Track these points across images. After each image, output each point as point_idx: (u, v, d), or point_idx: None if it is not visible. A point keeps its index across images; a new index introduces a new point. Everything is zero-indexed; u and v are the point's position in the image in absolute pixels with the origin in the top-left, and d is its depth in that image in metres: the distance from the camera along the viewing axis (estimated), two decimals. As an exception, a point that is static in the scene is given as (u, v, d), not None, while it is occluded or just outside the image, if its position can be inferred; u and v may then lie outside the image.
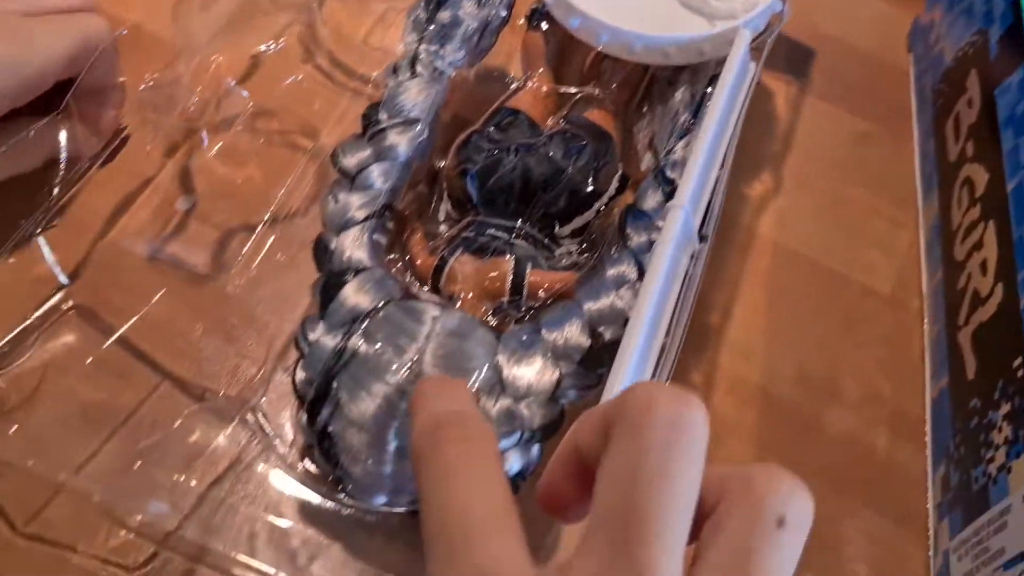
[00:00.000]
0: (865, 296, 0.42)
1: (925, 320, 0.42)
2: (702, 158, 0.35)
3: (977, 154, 0.40)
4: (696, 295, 0.34)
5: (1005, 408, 0.32)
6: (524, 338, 0.32)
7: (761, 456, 0.37)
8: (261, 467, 0.34)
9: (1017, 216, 0.35)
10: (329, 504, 0.33)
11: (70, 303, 0.36)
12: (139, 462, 0.33)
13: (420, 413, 0.23)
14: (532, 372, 0.32)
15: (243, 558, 0.32)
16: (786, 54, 0.51)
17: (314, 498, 0.33)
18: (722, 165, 0.37)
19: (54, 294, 0.36)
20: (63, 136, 0.38)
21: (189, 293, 0.38)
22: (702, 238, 0.35)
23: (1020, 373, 0.32)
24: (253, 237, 0.38)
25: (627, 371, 0.29)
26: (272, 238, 0.38)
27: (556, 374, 0.32)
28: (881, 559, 0.36)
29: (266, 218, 0.39)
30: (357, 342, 0.32)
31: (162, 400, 0.35)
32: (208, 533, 0.33)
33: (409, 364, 0.31)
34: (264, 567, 0.32)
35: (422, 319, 0.32)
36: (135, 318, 0.36)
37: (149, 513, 0.32)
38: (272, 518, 0.33)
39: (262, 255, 0.38)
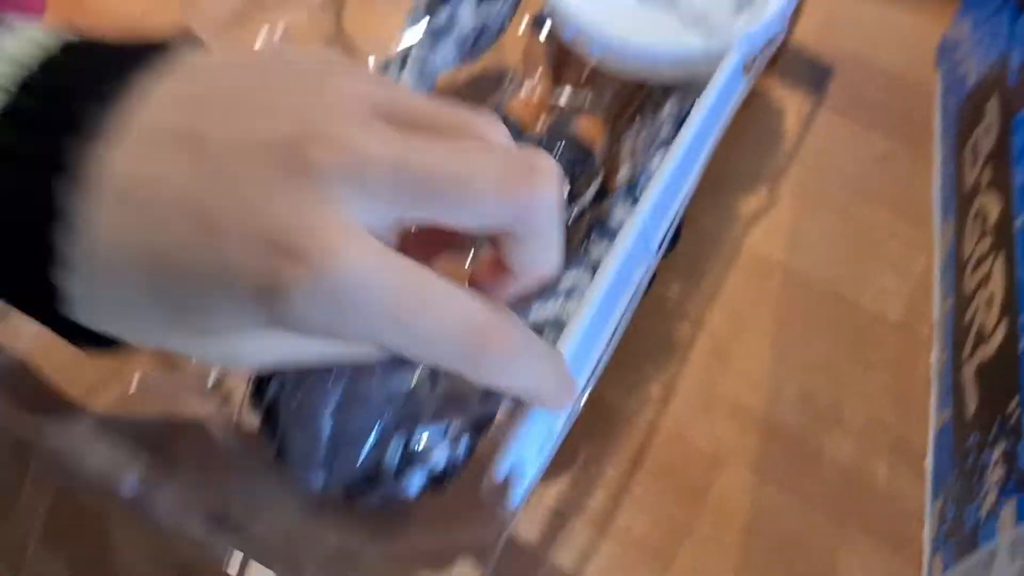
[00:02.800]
0: (875, 321, 0.42)
1: (933, 349, 0.41)
2: (668, 173, 0.35)
3: (992, 184, 0.40)
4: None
5: (999, 450, 0.32)
6: None
7: (760, 483, 0.38)
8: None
9: (1021, 255, 0.35)
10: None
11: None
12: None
13: None
14: None
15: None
16: (807, 70, 0.51)
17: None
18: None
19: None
20: None
21: None
22: (665, 250, 0.35)
23: (1014, 416, 0.32)
24: None
25: None
26: None
27: None
28: (875, 589, 0.36)
29: None
30: None
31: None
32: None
33: None
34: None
35: None
36: None
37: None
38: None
39: None
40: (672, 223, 0.36)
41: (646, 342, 0.41)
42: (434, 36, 0.41)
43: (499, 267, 0.26)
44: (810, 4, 0.53)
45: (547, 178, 0.23)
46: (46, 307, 0.23)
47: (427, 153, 0.22)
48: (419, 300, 0.22)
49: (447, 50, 0.41)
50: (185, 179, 0.21)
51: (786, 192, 0.46)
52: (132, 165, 0.22)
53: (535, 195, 0.23)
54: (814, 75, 0.50)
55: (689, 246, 0.43)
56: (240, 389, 0.34)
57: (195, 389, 0.35)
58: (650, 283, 0.36)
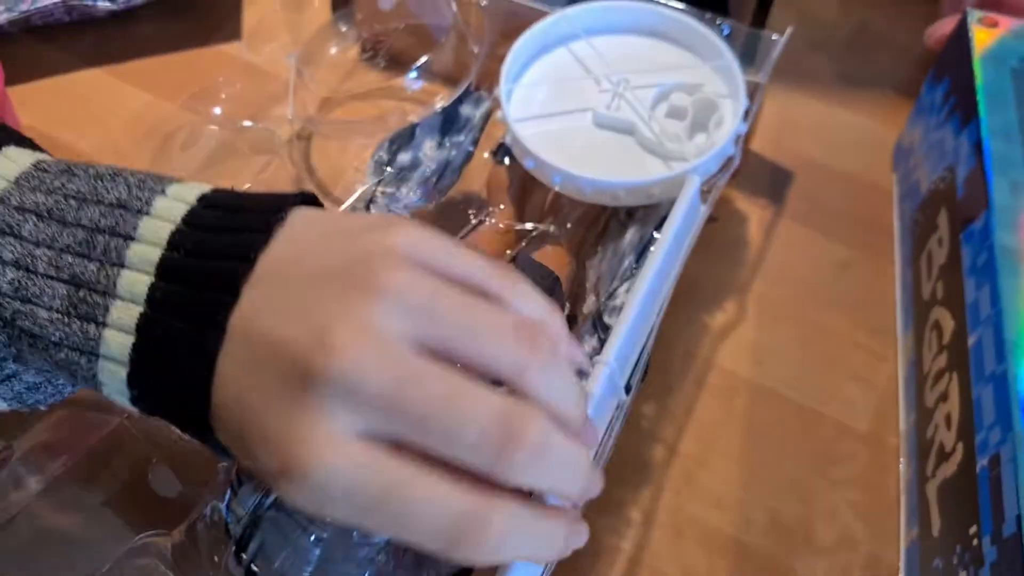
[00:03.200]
0: (842, 434, 0.43)
1: (901, 460, 0.42)
2: (634, 311, 0.36)
3: (946, 298, 0.40)
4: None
5: (963, 576, 0.32)
6: None
7: (731, 610, 0.38)
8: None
9: (976, 374, 0.35)
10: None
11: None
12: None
13: None
14: None
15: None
16: (767, 178, 0.52)
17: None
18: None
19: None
20: None
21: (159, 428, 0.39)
22: (628, 389, 0.36)
23: (975, 542, 0.32)
24: None
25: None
26: None
27: None
28: None
29: None
30: None
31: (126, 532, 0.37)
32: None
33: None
34: None
35: None
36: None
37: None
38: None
39: None
40: (640, 359, 0.37)
41: (624, 467, 0.41)
42: (399, 175, 0.42)
43: None
44: (767, 109, 0.54)
45: (539, 436, 0.25)
46: (199, 428, 0.27)
47: (423, 386, 0.24)
48: (398, 499, 0.24)
49: (413, 187, 0.42)
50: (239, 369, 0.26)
51: (751, 304, 0.47)
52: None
53: (515, 458, 0.25)
54: (774, 183, 0.51)
55: (661, 362, 0.44)
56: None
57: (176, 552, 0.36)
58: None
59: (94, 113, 0.54)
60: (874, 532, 0.40)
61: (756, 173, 0.52)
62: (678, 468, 0.41)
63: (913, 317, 0.44)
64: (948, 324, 0.39)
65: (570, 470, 0.26)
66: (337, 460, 0.24)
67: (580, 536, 0.28)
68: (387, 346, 0.24)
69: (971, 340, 0.36)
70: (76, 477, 0.38)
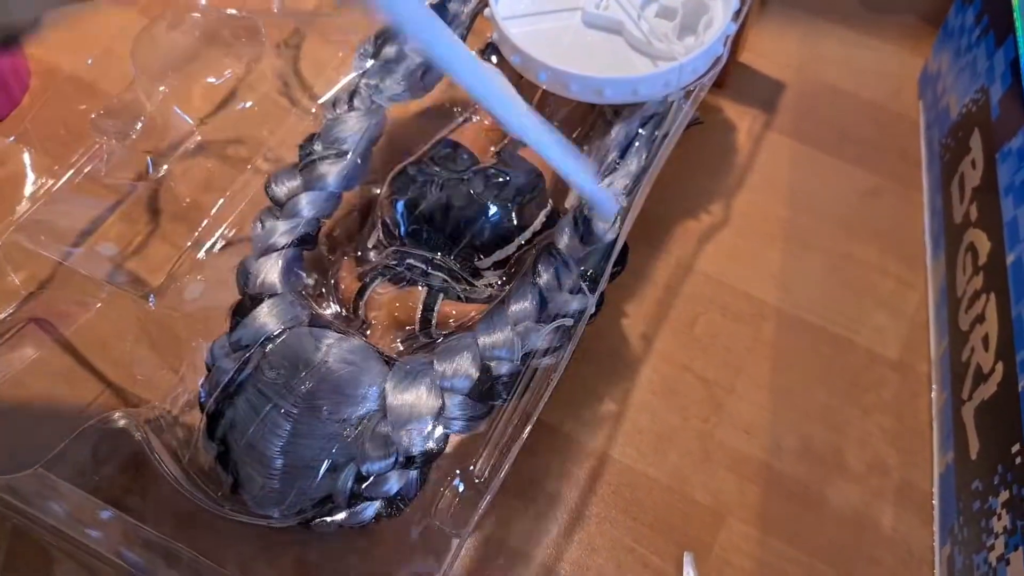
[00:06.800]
0: (872, 361, 0.42)
1: (933, 387, 0.41)
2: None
3: (980, 219, 0.39)
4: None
5: (1004, 495, 0.32)
6: (411, 368, 0.34)
7: (763, 536, 0.37)
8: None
9: (1017, 292, 0.34)
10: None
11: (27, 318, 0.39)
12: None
13: None
14: (414, 401, 0.33)
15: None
16: (792, 108, 0.50)
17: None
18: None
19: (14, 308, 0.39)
20: (27, 156, 0.42)
21: (135, 310, 0.40)
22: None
23: (1018, 460, 0.31)
24: (202, 255, 0.41)
25: None
26: (224, 258, 0.40)
27: (438, 403, 0.33)
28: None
29: (215, 238, 0.41)
30: (255, 363, 0.34)
31: (102, 407, 0.38)
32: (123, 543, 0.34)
33: (297, 388, 0.33)
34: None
35: (318, 346, 0.34)
36: (73, 326, 0.40)
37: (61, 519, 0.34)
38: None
39: (212, 275, 0.40)
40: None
41: (651, 395, 0.40)
42: (383, 68, 0.41)
43: None
44: (790, 41, 0.53)
45: None
46: None
47: None
48: None
49: (396, 82, 0.41)
50: None
51: (777, 234, 0.46)
52: None
53: None
54: (801, 113, 0.50)
55: (689, 293, 0.43)
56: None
57: (154, 425, 0.36)
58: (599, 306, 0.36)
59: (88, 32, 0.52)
60: (906, 459, 0.39)
61: (782, 102, 0.51)
62: (706, 394, 0.41)
63: (944, 242, 0.43)
64: (984, 245, 0.38)
65: None
66: None
67: None
68: None
69: (1010, 259, 0.35)
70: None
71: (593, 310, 0.35)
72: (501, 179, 0.39)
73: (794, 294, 0.44)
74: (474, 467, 0.33)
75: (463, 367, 0.34)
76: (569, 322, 0.35)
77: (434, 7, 0.44)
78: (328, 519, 0.33)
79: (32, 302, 0.40)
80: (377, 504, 0.33)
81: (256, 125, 0.45)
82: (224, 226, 0.41)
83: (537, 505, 0.38)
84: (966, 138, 0.42)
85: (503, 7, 0.42)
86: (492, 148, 0.42)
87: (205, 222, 0.41)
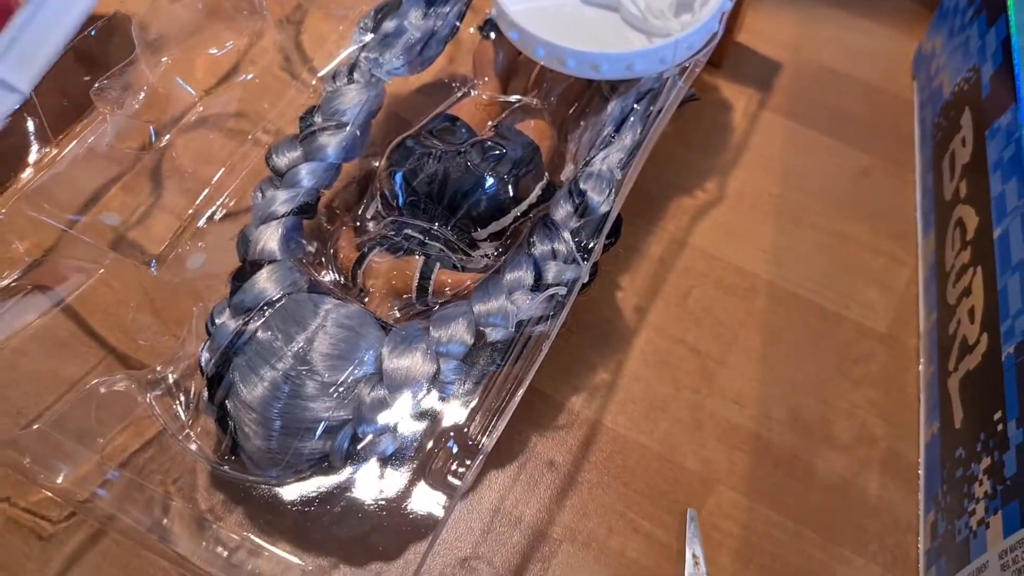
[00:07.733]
0: (862, 335, 0.42)
1: (920, 360, 0.42)
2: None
3: (969, 195, 0.40)
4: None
5: (986, 462, 0.33)
6: (407, 333, 0.34)
7: (752, 504, 0.38)
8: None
9: (1002, 264, 0.35)
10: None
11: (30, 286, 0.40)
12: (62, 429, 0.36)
13: None
14: (410, 365, 0.34)
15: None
16: (787, 88, 0.51)
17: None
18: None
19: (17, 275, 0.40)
20: (31, 124, 0.43)
21: (138, 276, 0.41)
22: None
23: (1000, 427, 0.32)
24: (203, 224, 0.41)
25: None
26: (225, 227, 0.41)
27: (433, 368, 0.34)
28: (871, 605, 0.36)
29: (216, 207, 0.42)
30: (254, 327, 0.35)
31: (104, 372, 0.39)
32: (122, 500, 0.35)
33: (295, 351, 0.34)
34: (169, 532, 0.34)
35: (316, 310, 0.35)
36: (75, 292, 0.41)
37: (67, 478, 0.35)
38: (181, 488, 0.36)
39: (213, 242, 0.41)
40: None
41: (643, 365, 0.41)
42: (383, 42, 0.42)
43: None
44: (787, 22, 0.54)
45: None
46: None
47: None
48: None
49: (395, 55, 0.42)
50: None
51: (770, 211, 0.46)
52: None
53: None
54: (796, 93, 0.51)
55: (683, 267, 0.44)
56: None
57: (155, 388, 0.37)
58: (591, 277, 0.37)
59: None
60: (893, 429, 0.40)
61: (778, 82, 0.51)
62: (698, 366, 0.41)
63: (935, 219, 0.43)
64: (972, 220, 0.39)
65: None
66: None
67: None
68: None
69: (996, 232, 0.36)
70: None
71: (586, 279, 0.36)
72: (498, 152, 0.40)
73: (786, 269, 0.44)
74: (468, 429, 0.34)
75: (458, 333, 0.34)
76: (562, 291, 0.35)
77: None
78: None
79: (36, 269, 0.41)
80: (373, 463, 0.34)
81: (257, 97, 0.46)
82: (225, 195, 0.42)
83: (530, 471, 0.38)
84: (957, 116, 0.43)
85: None
86: (490, 122, 0.43)
87: (206, 192, 0.42)
